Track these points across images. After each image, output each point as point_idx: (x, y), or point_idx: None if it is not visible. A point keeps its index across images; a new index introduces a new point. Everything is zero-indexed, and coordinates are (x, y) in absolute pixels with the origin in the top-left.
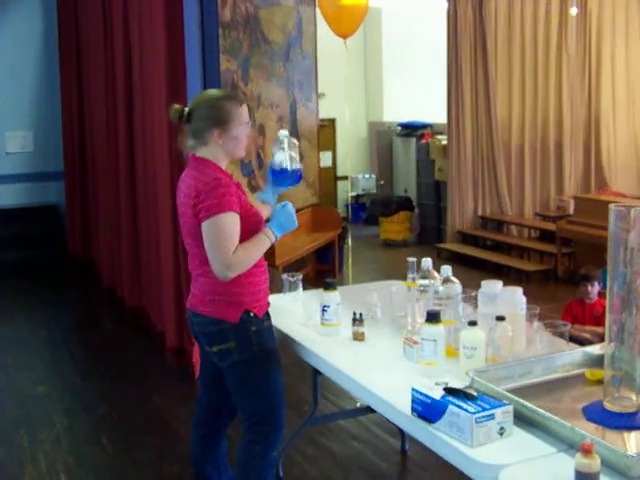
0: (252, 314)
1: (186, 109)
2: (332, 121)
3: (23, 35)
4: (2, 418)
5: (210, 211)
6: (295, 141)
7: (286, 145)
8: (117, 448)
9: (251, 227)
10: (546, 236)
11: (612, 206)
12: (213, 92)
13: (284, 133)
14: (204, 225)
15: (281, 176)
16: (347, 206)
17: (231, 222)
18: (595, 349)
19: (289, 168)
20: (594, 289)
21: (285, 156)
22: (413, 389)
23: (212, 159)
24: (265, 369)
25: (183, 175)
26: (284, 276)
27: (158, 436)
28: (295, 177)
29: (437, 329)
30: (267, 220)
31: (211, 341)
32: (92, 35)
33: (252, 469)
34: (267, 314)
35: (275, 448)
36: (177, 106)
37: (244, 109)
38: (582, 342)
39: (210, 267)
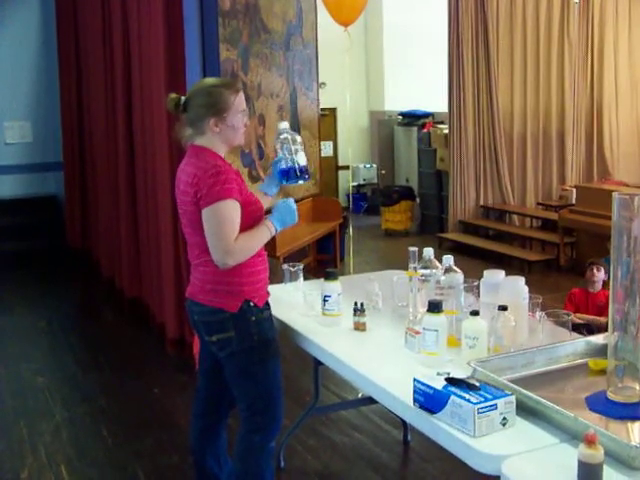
0: (252, 304)
1: (182, 98)
2: (333, 110)
3: (22, 25)
4: (2, 410)
5: (211, 198)
6: (298, 137)
7: (291, 142)
8: (117, 439)
9: (251, 215)
10: (548, 225)
11: (616, 194)
12: (209, 80)
13: (284, 127)
14: (205, 212)
15: (289, 175)
16: (348, 196)
17: (232, 209)
18: (598, 339)
19: (298, 167)
20: (600, 274)
21: (293, 155)
22: (415, 379)
23: (210, 147)
24: (264, 359)
25: (182, 165)
26: (285, 266)
27: (158, 427)
28: (304, 177)
29: (439, 319)
30: (267, 212)
31: (210, 330)
32: (91, 25)
33: (251, 460)
34: (267, 304)
35: (274, 438)
36: (173, 95)
37: (240, 97)
38: (585, 329)
39: (210, 256)
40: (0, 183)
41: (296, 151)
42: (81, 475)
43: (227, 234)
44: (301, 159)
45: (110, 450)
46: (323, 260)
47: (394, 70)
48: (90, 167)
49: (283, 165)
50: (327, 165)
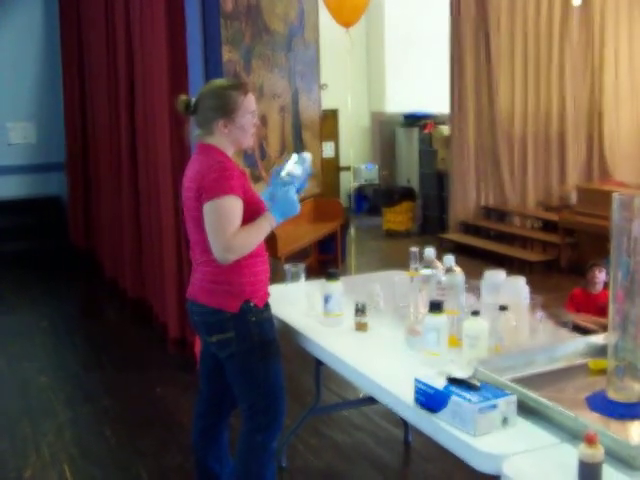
0: (252, 304)
1: (192, 99)
2: (334, 111)
3: (25, 26)
4: (5, 409)
5: (213, 193)
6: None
7: (308, 165)
8: (120, 439)
9: (253, 215)
10: (549, 226)
11: (616, 195)
12: (219, 82)
13: (309, 156)
14: (206, 206)
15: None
16: (350, 196)
17: (233, 205)
18: (598, 339)
19: (300, 182)
20: (602, 275)
21: (304, 172)
22: (416, 379)
23: (218, 146)
24: (265, 359)
25: (190, 163)
26: (287, 266)
27: (161, 427)
28: (300, 188)
29: (440, 319)
30: None
31: (211, 331)
32: (94, 26)
33: (252, 459)
34: (267, 304)
35: (275, 438)
36: (183, 97)
37: (250, 98)
38: (585, 332)
39: (212, 255)
40: (4, 184)
41: (306, 171)
42: (84, 474)
43: (227, 229)
44: (290, 166)
45: (113, 449)
46: (325, 260)
47: (395, 71)
48: (93, 168)
49: (293, 173)
50: (329, 166)
